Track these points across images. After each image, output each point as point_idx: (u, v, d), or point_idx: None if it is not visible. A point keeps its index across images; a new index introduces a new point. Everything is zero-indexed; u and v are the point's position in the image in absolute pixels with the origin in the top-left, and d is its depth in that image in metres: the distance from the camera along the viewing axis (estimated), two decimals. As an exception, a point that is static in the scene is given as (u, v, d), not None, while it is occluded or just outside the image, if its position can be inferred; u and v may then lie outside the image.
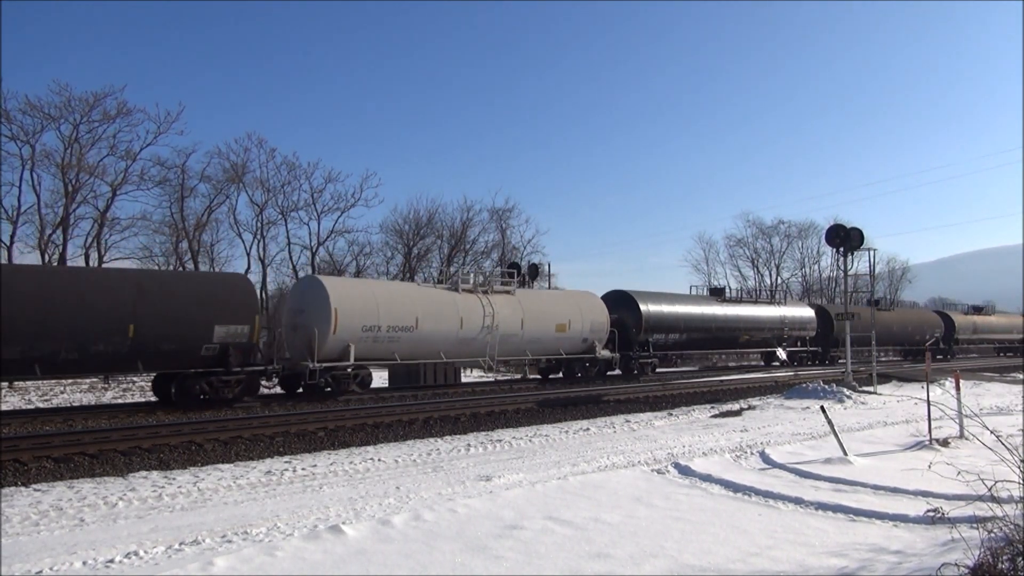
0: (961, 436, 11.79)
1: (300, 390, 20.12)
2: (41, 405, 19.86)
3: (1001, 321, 52.50)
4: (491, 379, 30.65)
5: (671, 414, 17.98)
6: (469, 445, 12.95)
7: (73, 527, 7.42)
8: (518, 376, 32.30)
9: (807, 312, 38.68)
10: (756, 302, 37.71)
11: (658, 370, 30.86)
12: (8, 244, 33.87)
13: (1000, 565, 4.87)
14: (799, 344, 37.78)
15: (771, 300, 40.77)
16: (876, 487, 8.53)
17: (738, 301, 36.02)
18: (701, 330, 31.75)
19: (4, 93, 33.71)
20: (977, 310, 53.02)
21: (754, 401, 21.07)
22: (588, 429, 15.17)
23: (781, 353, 36.30)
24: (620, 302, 28.40)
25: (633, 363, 27.80)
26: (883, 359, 45.00)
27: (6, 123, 33.67)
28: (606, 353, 26.72)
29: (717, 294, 35.78)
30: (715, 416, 17.56)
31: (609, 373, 27.61)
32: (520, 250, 51.75)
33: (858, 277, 55.28)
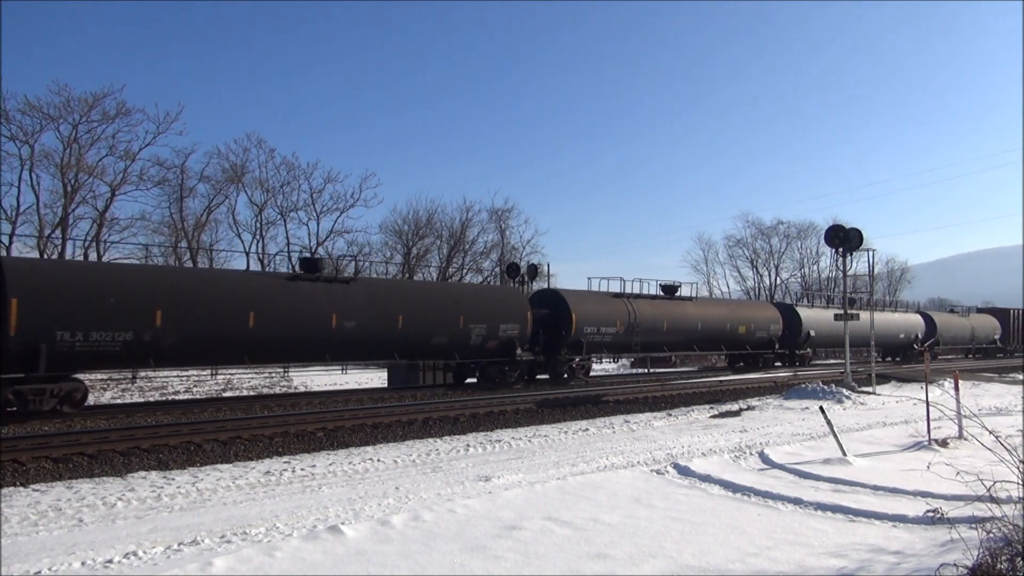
0: (960, 437, 11.79)
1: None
2: (40, 405, 19.82)
3: (757, 314, 34.87)
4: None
5: (670, 414, 17.98)
6: (468, 445, 12.94)
7: (72, 527, 7.42)
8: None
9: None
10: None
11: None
12: (7, 244, 33.88)
13: (999, 565, 4.88)
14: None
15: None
16: (875, 487, 8.53)
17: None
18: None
19: (4, 93, 33.78)
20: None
21: (753, 401, 21.07)
22: (587, 429, 15.17)
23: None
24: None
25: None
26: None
27: (6, 123, 33.75)
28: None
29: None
30: (714, 416, 17.57)
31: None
32: (519, 250, 51.85)
33: (857, 278, 55.39)
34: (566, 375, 25.56)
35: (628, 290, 28.77)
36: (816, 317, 36.75)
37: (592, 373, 31.72)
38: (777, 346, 34.51)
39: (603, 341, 26.65)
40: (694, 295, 31.61)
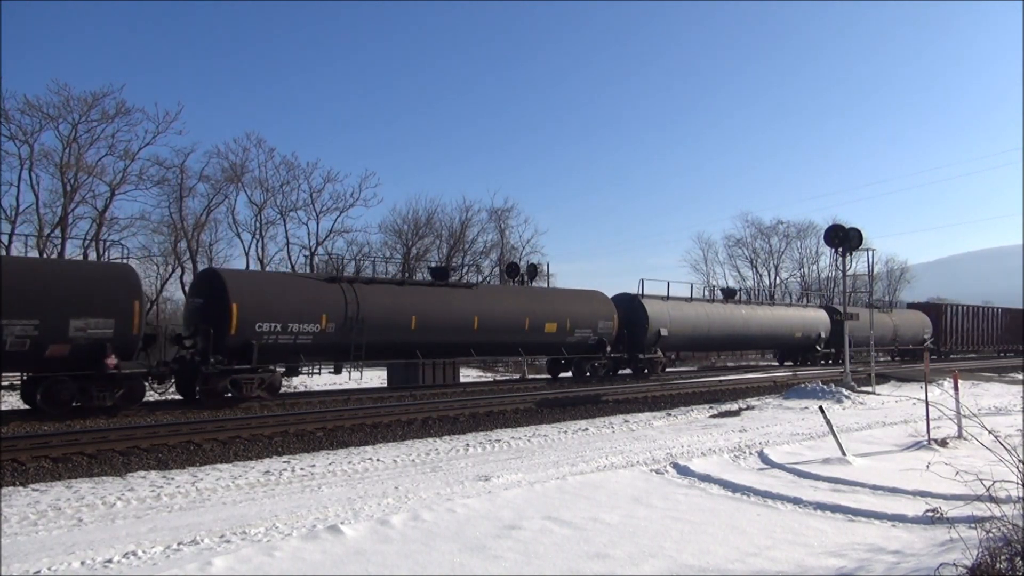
0: (960, 436, 11.80)
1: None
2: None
3: (575, 308, 27.07)
4: (490, 379, 30.69)
5: (670, 414, 17.98)
6: (468, 445, 12.94)
7: (71, 527, 7.42)
8: (517, 376, 32.32)
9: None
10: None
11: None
12: (7, 244, 33.85)
13: (998, 565, 4.88)
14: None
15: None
16: (875, 487, 8.53)
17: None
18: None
19: (3, 93, 33.74)
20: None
21: (753, 401, 21.08)
22: (587, 429, 15.17)
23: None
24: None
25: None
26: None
27: (5, 123, 33.69)
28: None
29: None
30: (714, 416, 17.57)
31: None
32: (519, 250, 51.81)
33: (856, 277, 55.34)
34: (230, 393, 17.79)
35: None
36: (671, 312, 28.86)
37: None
38: (610, 349, 26.75)
39: (298, 343, 18.75)
40: (476, 280, 24.76)
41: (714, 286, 33.02)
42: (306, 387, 25.53)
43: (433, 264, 44.97)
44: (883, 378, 27.78)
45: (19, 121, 34.15)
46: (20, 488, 9.44)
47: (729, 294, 34.61)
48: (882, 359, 42.68)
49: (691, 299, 31.50)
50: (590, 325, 26.15)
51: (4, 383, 16.13)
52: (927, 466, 7.70)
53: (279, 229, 45.10)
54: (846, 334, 26.00)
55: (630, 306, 28.05)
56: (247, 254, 43.04)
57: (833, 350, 37.41)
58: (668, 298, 30.04)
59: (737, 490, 8.53)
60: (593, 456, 11.57)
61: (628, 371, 28.30)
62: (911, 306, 50.54)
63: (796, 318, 35.91)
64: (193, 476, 10.21)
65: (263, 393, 18.51)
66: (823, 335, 37.03)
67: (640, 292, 29.31)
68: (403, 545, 6.22)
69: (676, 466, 9.95)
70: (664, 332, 28.26)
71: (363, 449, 12.75)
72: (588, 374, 26.67)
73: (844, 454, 10.36)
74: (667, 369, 30.34)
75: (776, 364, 39.79)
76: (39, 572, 5.72)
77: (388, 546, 6.19)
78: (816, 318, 37.29)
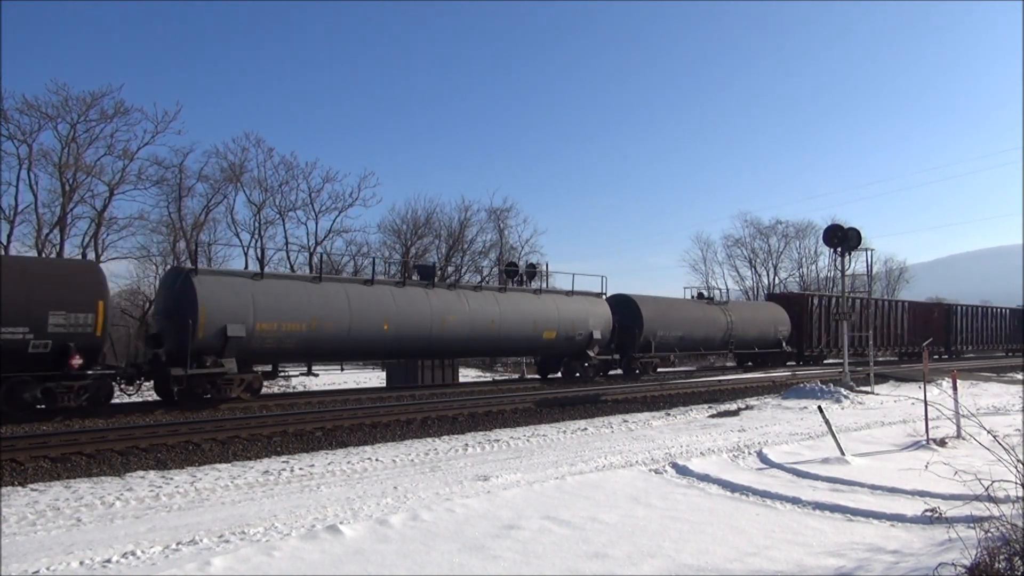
0: (958, 436, 11.81)
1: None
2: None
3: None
4: (488, 379, 30.72)
5: (669, 414, 17.99)
6: (467, 445, 12.94)
7: (70, 527, 7.41)
8: (516, 376, 32.36)
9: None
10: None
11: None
12: (5, 244, 33.84)
13: (997, 565, 4.88)
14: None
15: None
16: (873, 487, 8.54)
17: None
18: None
19: (2, 92, 33.74)
20: None
21: (752, 401, 21.09)
22: (586, 429, 15.17)
23: None
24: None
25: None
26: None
27: (4, 122, 33.67)
28: None
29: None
30: (713, 416, 17.58)
31: None
32: (518, 250, 51.84)
33: (855, 277, 55.37)
34: None
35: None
36: (261, 298, 17.81)
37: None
38: (81, 361, 15.16)
39: None
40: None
41: (402, 265, 21.44)
42: (304, 387, 25.53)
43: (431, 264, 44.93)
44: (882, 378, 27.80)
45: (18, 121, 34.14)
46: (19, 488, 9.44)
47: (425, 274, 23.17)
48: (685, 367, 34.73)
49: (320, 278, 20.01)
50: (25, 321, 14.69)
51: None
52: (926, 466, 7.70)
53: (278, 229, 45.10)
54: (844, 334, 26.00)
55: (170, 291, 17.79)
56: (246, 254, 43.02)
57: (618, 356, 27.51)
58: (262, 276, 18.98)
59: (736, 490, 8.53)
60: (592, 456, 11.57)
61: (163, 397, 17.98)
62: (769, 298, 42.28)
63: (546, 311, 24.81)
64: (192, 476, 10.21)
65: None
66: (597, 335, 26.26)
67: (193, 265, 18.96)
68: (402, 545, 6.22)
69: (675, 466, 9.95)
70: (237, 332, 17.27)
71: (362, 449, 12.75)
72: (41, 406, 15.22)
73: (843, 454, 10.36)
74: (252, 390, 18.56)
75: (538, 377, 28.36)
76: (38, 572, 5.71)
77: (387, 546, 6.19)
78: (585, 311, 26.29)
